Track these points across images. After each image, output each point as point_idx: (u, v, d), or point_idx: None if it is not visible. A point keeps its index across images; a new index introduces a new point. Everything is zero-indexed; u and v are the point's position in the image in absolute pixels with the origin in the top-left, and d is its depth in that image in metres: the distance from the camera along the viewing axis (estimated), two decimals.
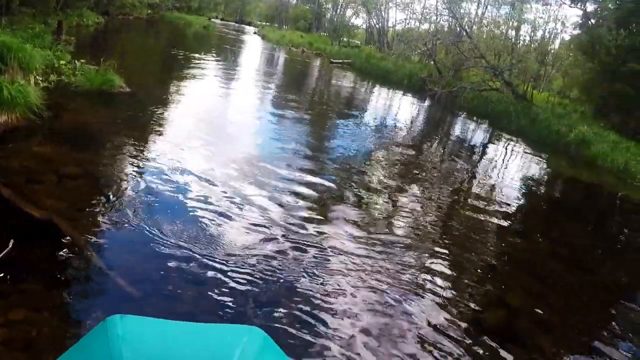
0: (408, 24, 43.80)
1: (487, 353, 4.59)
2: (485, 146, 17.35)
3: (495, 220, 8.74)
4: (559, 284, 6.83)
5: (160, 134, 8.13)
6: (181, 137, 8.19)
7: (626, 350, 5.41)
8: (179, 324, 1.27)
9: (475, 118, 22.07)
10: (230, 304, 4.22)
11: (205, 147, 7.93)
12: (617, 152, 17.69)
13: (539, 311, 5.75)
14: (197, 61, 17.44)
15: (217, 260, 4.82)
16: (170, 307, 3.96)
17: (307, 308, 4.48)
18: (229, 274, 4.63)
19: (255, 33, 49.62)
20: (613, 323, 6.17)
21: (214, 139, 8.46)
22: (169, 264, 4.50)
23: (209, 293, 4.28)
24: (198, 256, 4.78)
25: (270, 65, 26.07)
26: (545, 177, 15.31)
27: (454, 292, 5.61)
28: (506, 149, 17.85)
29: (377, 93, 25.26)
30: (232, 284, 4.49)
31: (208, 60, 19.46)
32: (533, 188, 13.09)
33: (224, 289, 4.38)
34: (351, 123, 14.36)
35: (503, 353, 4.63)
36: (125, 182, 6.06)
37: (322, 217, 6.57)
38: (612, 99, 23.40)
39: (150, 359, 1.08)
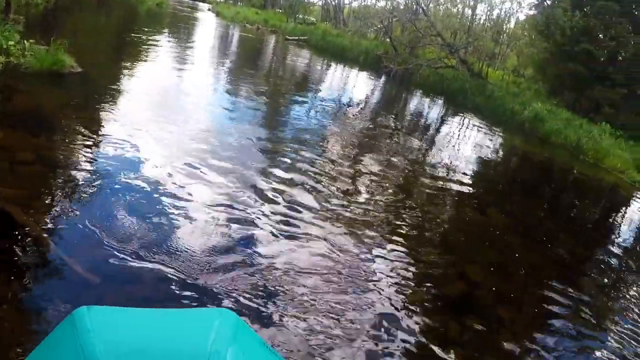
0: (364, 1, 43.59)
1: (448, 326, 4.60)
2: (441, 122, 17.37)
3: (452, 195, 8.74)
4: (516, 257, 6.91)
5: (115, 115, 7.71)
6: (136, 117, 7.80)
7: (581, 318, 5.59)
8: (148, 312, 1.27)
9: (431, 95, 22.10)
10: (191, 285, 4.04)
11: (162, 128, 7.57)
12: (570, 129, 18.05)
13: (498, 283, 5.83)
14: (151, 39, 16.83)
15: (176, 241, 4.60)
16: (130, 291, 3.78)
17: (268, 285, 4.35)
18: (188, 255, 4.43)
19: (209, 10, 48.47)
20: (569, 292, 6.27)
21: (170, 119, 8.08)
22: (128, 249, 4.26)
23: (169, 276, 4.07)
24: (156, 239, 4.54)
25: (225, 43, 25.47)
26: (501, 152, 15.42)
27: (413, 267, 5.56)
28: (462, 125, 17.94)
29: (333, 70, 24.99)
30: (192, 265, 4.31)
31: (161, 38, 18.85)
32: (488, 163, 13.15)
33: (183, 271, 4.19)
34: (307, 99, 14.11)
35: (464, 325, 4.66)
36: (81, 166, 5.67)
37: (279, 194, 6.34)
38: (565, 78, 23.82)
39: (123, 350, 1.04)
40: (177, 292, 3.91)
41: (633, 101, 22.97)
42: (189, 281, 4.08)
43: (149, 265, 4.13)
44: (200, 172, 6.36)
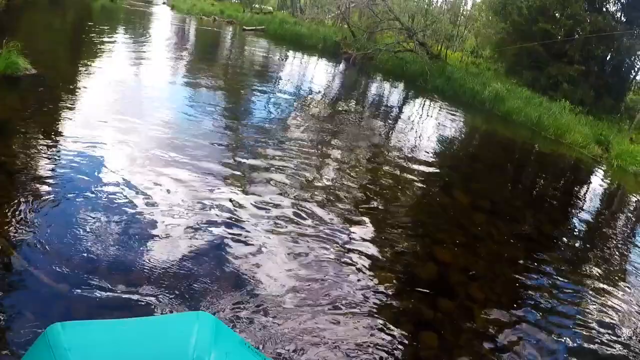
0: None
1: (421, 308, 4.61)
2: (402, 106, 17.29)
3: (417, 177, 8.65)
4: (484, 235, 6.91)
5: (75, 117, 7.32)
6: (97, 117, 7.42)
7: (550, 293, 5.68)
8: (125, 323, 1.23)
9: (391, 79, 22.04)
10: (164, 286, 3.88)
11: (122, 128, 7.20)
12: (530, 107, 18.26)
13: (468, 263, 5.85)
14: (106, 37, 16.31)
15: (144, 244, 4.40)
16: (102, 300, 3.58)
17: (239, 278, 4.26)
18: (156, 257, 4.25)
19: (164, 3, 47.47)
20: (538, 267, 6.38)
21: (131, 119, 7.72)
22: (95, 255, 4.05)
23: (139, 279, 3.90)
24: (124, 243, 4.33)
25: (182, 37, 24.91)
26: (463, 133, 15.44)
27: (382, 251, 5.48)
28: (423, 107, 17.93)
29: (291, 58, 24.68)
30: (162, 266, 4.14)
31: (117, 35, 18.30)
32: (451, 144, 13.15)
33: (154, 273, 4.02)
34: (268, 89, 13.84)
35: (437, 306, 4.70)
36: (42, 173, 5.34)
37: (242, 185, 6.16)
38: (524, 57, 24.10)
39: None
40: (150, 295, 3.73)
41: (590, 77, 23.34)
42: (162, 284, 3.91)
43: (119, 271, 3.94)
44: (165, 169, 6.09)
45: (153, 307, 3.57)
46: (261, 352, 1.32)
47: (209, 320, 1.21)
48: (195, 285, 4.00)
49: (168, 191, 5.52)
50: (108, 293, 3.64)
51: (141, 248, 4.32)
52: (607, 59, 25.00)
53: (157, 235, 4.58)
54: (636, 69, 26.29)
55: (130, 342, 1.11)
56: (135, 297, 3.67)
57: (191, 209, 5.24)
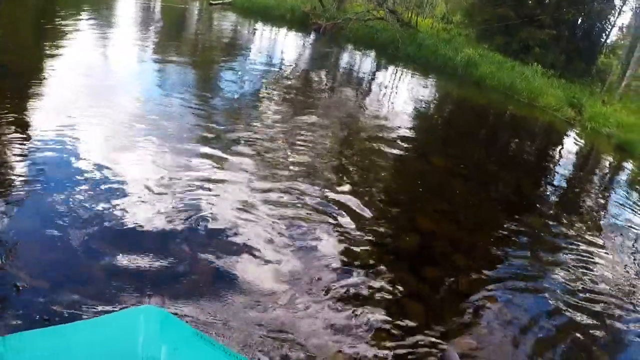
0: None
1: (406, 278, 4.54)
2: (374, 75, 17.07)
3: (392, 145, 8.49)
4: (463, 202, 6.88)
5: (44, 106, 6.82)
6: (66, 104, 6.90)
7: (532, 256, 5.74)
8: (71, 327, 1.18)
9: (362, 48, 21.70)
10: (144, 272, 3.70)
11: (93, 112, 6.71)
12: (503, 72, 18.24)
13: (450, 230, 5.84)
14: (70, 21, 15.58)
15: (120, 232, 4.15)
16: (83, 291, 3.36)
17: (220, 259, 4.08)
18: (133, 244, 4.02)
19: None
20: (518, 230, 6.40)
21: (101, 102, 7.23)
22: (72, 247, 3.80)
23: (119, 268, 3.70)
24: (103, 234, 4.07)
25: (148, 15, 24.12)
26: (437, 100, 15.34)
27: (364, 222, 5.33)
28: (396, 75, 17.71)
29: (260, 31, 24.15)
30: (139, 254, 3.90)
31: (82, 19, 17.51)
32: (426, 111, 13.01)
33: (132, 260, 3.80)
34: (237, 64, 13.44)
35: (421, 275, 4.69)
36: (13, 165, 4.96)
37: (219, 164, 5.87)
38: (495, 22, 23.95)
39: None
40: (132, 283, 3.54)
41: (561, 41, 23.36)
42: (143, 270, 3.71)
43: (97, 262, 3.72)
44: (140, 154, 5.73)
45: (133, 299, 3.35)
46: (215, 340, 1.27)
47: (155, 313, 1.16)
48: (173, 268, 3.82)
49: (142, 175, 5.19)
50: (88, 285, 3.44)
51: (118, 237, 4.08)
52: (578, 23, 25.05)
53: (137, 223, 4.33)
54: (607, 32, 26.42)
55: (76, 347, 1.05)
56: (113, 287, 3.47)
57: (169, 191, 4.96)
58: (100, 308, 3.15)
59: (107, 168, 5.11)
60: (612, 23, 26.60)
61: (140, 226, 4.28)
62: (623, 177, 12.06)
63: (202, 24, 23.74)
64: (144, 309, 1.24)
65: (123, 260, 3.77)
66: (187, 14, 26.76)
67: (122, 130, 6.32)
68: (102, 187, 4.73)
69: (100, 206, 4.38)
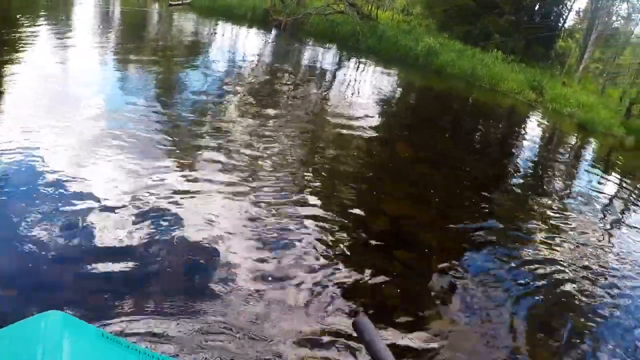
0: None
1: (379, 262, 4.50)
2: (337, 67, 17.03)
3: (357, 134, 8.46)
4: (429, 185, 6.91)
5: (1, 116, 6.63)
6: (26, 113, 6.57)
7: (499, 231, 5.83)
8: None
9: (323, 42, 21.67)
10: (114, 274, 3.60)
11: (54, 120, 6.44)
12: (464, 59, 18.39)
13: (419, 213, 5.89)
14: (28, 27, 15.25)
15: (85, 237, 3.98)
16: (51, 297, 3.29)
17: (195, 255, 4.02)
18: (101, 249, 3.88)
19: None
20: (481, 207, 6.51)
21: (62, 109, 6.90)
22: (37, 253, 3.66)
23: (86, 271, 3.58)
24: (65, 238, 3.91)
25: (107, 18, 23.69)
26: (399, 89, 15.39)
27: (334, 210, 5.28)
28: (358, 67, 17.72)
29: (221, 30, 23.92)
30: (106, 258, 3.77)
31: (39, 24, 17.16)
32: (389, 101, 13.01)
33: (101, 265, 3.67)
34: (199, 65, 13.22)
35: (394, 257, 4.65)
36: None
37: (184, 165, 5.72)
38: (455, 12, 24.16)
39: None
40: (101, 285, 3.45)
41: (521, 27, 23.67)
42: (115, 272, 3.61)
43: (65, 267, 3.60)
44: (104, 161, 5.49)
45: (98, 304, 3.26)
46: (122, 339, 1.18)
47: (57, 319, 1.08)
48: (144, 275, 3.70)
49: (106, 181, 4.98)
50: (57, 291, 3.35)
51: (84, 242, 3.93)
52: (536, 8, 25.41)
53: (104, 226, 4.18)
54: (564, 17, 26.86)
55: None
56: (84, 290, 3.38)
57: (134, 197, 4.77)
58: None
59: (70, 178, 4.89)
60: (569, 7, 27.09)
61: (106, 233, 4.13)
62: (586, 153, 12.33)
63: (163, 26, 23.43)
64: (46, 315, 1.08)
65: (90, 268, 3.65)
66: (147, 16, 26.39)
67: (84, 138, 6.07)
68: (65, 197, 4.53)
69: (64, 216, 4.21)
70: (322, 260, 4.28)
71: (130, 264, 3.73)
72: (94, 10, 27.24)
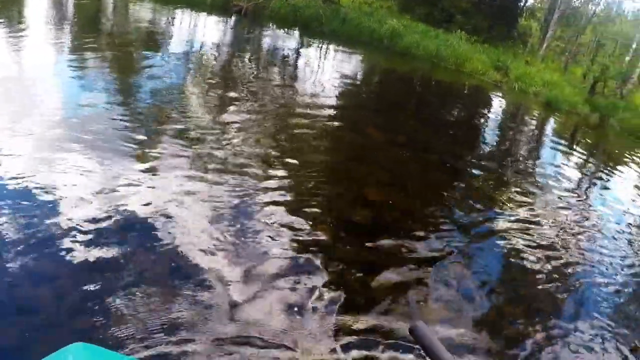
0: None
1: (361, 251, 4.43)
2: (300, 52, 16.76)
3: (327, 121, 8.28)
4: (405, 170, 6.87)
5: None
6: None
7: (477, 210, 5.96)
8: None
9: (285, 27, 21.36)
10: (90, 284, 3.31)
11: (5, 123, 6.11)
12: (428, 40, 18.32)
13: (397, 199, 5.80)
14: None
15: (57, 244, 3.67)
16: (28, 319, 3.02)
17: (168, 258, 3.76)
18: (73, 257, 3.57)
19: None
20: (459, 188, 6.65)
21: (14, 109, 6.58)
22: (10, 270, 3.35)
23: (64, 286, 3.31)
24: (37, 248, 3.60)
25: (61, 9, 22.97)
26: (364, 72, 15.25)
27: (311, 201, 5.11)
28: (321, 51, 17.49)
29: (180, 18, 23.37)
30: (81, 264, 3.50)
31: None
32: (355, 85, 12.85)
33: (80, 275, 3.40)
34: (158, 55, 12.75)
35: (378, 247, 4.55)
36: None
37: (149, 164, 5.38)
38: None
39: None
40: (79, 298, 3.17)
41: (483, 7, 23.71)
42: (90, 285, 3.31)
43: (40, 281, 3.32)
44: (65, 163, 5.15)
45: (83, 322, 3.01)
46: None
47: (82, 351, 1.06)
48: (118, 272, 3.47)
49: (69, 180, 4.67)
50: (33, 307, 3.09)
51: (58, 251, 3.62)
52: None
53: (69, 231, 3.86)
54: None
55: None
56: (61, 307, 3.11)
57: (99, 196, 4.47)
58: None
59: (31, 182, 4.58)
60: None
61: (73, 236, 3.83)
62: (552, 130, 12.48)
63: (119, 16, 22.74)
64: (69, 349, 1.03)
65: (59, 273, 3.41)
66: (101, 5, 25.69)
67: (43, 140, 5.71)
68: (29, 202, 4.22)
69: (30, 223, 3.89)
70: (302, 254, 4.13)
71: (94, 274, 3.47)
72: (47, 3, 26.38)
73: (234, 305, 3.31)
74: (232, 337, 3.05)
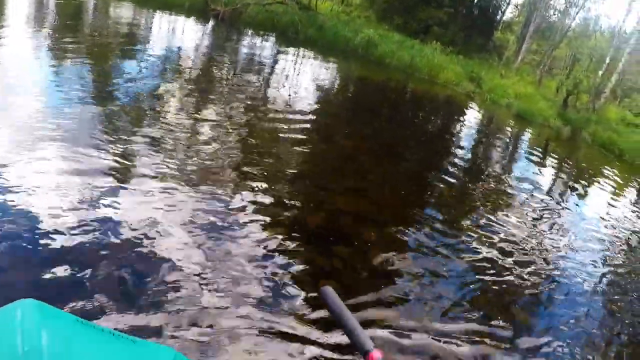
0: None
1: (317, 258, 4.42)
2: (275, 59, 16.74)
3: (296, 128, 8.23)
4: (370, 177, 6.86)
5: None
6: None
7: (441, 221, 5.90)
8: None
9: (262, 33, 21.33)
10: (71, 275, 3.36)
11: None
12: (403, 50, 18.44)
13: (358, 206, 5.81)
14: None
15: (26, 248, 3.60)
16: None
17: (131, 257, 3.75)
18: (56, 251, 3.59)
19: None
20: (424, 197, 6.66)
21: None
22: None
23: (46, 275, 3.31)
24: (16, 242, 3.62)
25: (40, 9, 22.72)
26: (339, 80, 15.27)
27: (270, 206, 5.07)
28: (297, 59, 17.48)
29: (158, 21, 23.23)
30: (60, 259, 3.50)
31: None
32: (328, 93, 12.89)
33: (60, 268, 3.41)
34: (135, 58, 12.64)
35: (332, 253, 4.55)
36: None
37: (121, 164, 5.33)
38: (394, 3, 24.22)
39: None
40: (65, 289, 3.21)
41: (459, 19, 23.91)
42: (73, 276, 3.34)
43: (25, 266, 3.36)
44: (40, 165, 5.05)
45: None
46: (96, 324, 1.13)
47: (34, 306, 1.05)
48: (88, 277, 3.39)
49: (45, 179, 4.62)
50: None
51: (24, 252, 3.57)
52: (475, 1, 25.70)
53: (41, 236, 3.80)
54: (502, 9, 27.31)
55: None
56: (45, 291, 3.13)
57: (73, 200, 4.39)
58: None
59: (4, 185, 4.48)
60: (507, 0, 27.56)
61: (47, 240, 3.77)
62: (523, 141, 12.58)
63: (97, 17, 22.57)
64: (19, 304, 1.02)
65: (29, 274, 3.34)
66: (81, 7, 25.45)
67: (18, 141, 5.59)
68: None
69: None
70: (256, 258, 4.11)
71: (64, 269, 3.45)
72: (26, 2, 26.06)
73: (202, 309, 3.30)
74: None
